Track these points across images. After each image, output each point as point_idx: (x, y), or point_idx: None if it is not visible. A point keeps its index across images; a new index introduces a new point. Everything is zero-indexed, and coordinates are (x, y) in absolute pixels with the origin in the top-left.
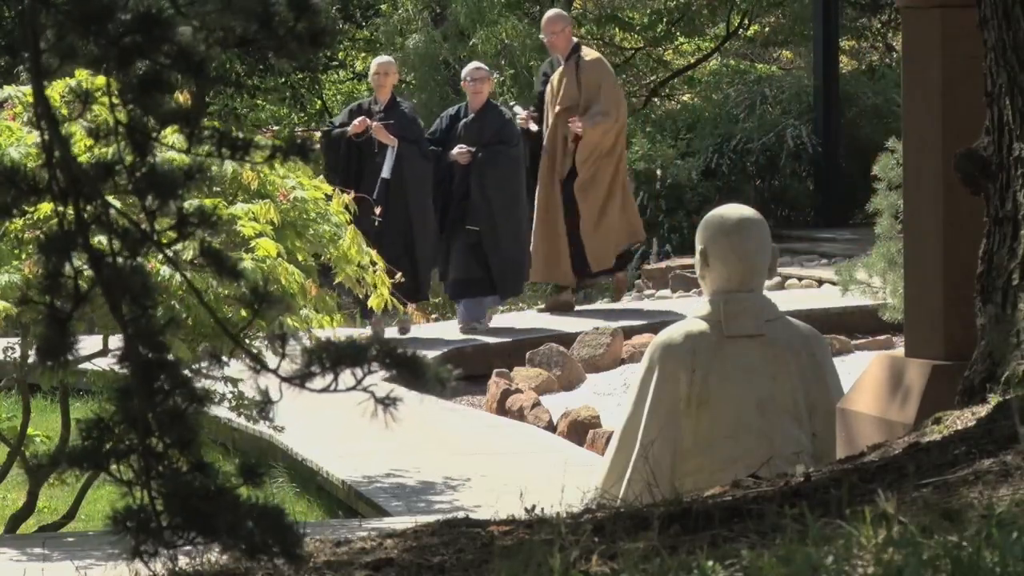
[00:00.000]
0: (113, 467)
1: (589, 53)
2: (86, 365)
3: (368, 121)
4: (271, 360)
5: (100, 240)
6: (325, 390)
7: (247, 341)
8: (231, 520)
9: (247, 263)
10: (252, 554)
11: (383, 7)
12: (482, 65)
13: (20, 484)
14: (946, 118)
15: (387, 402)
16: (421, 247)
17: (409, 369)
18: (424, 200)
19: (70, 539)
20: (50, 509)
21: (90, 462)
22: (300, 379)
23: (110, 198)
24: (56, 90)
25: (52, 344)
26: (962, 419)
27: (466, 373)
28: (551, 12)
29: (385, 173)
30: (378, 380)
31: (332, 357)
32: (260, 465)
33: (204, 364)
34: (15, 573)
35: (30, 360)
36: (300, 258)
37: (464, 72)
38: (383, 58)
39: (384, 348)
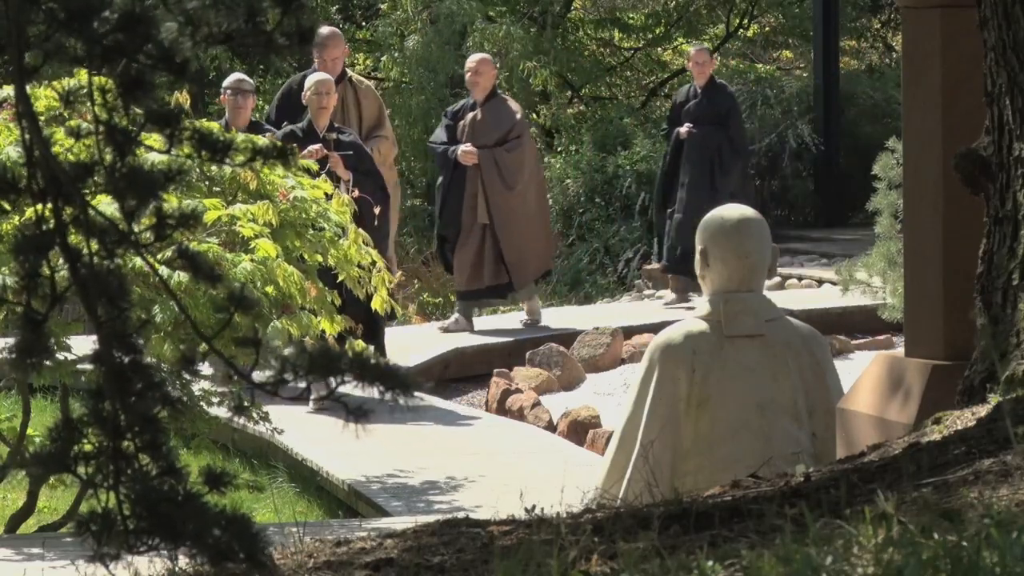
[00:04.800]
0: (81, 469)
1: (360, 80)
2: (85, 364)
3: (325, 150)
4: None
5: (81, 240)
6: (297, 399)
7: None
8: (198, 526)
9: (246, 264)
10: (216, 561)
11: (383, 7)
12: (245, 77)
13: (20, 484)
14: (946, 118)
15: (359, 413)
16: None
17: (382, 381)
18: (381, 240)
19: (70, 539)
20: (50, 509)
21: (57, 464)
22: (272, 386)
23: (104, 199)
24: (56, 90)
25: (28, 344)
26: (962, 419)
27: (466, 373)
28: (333, 30)
29: None
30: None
31: (305, 365)
32: (225, 473)
33: (175, 368)
34: (15, 573)
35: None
36: (305, 256)
37: (225, 84)
38: (322, 76)
39: (357, 358)
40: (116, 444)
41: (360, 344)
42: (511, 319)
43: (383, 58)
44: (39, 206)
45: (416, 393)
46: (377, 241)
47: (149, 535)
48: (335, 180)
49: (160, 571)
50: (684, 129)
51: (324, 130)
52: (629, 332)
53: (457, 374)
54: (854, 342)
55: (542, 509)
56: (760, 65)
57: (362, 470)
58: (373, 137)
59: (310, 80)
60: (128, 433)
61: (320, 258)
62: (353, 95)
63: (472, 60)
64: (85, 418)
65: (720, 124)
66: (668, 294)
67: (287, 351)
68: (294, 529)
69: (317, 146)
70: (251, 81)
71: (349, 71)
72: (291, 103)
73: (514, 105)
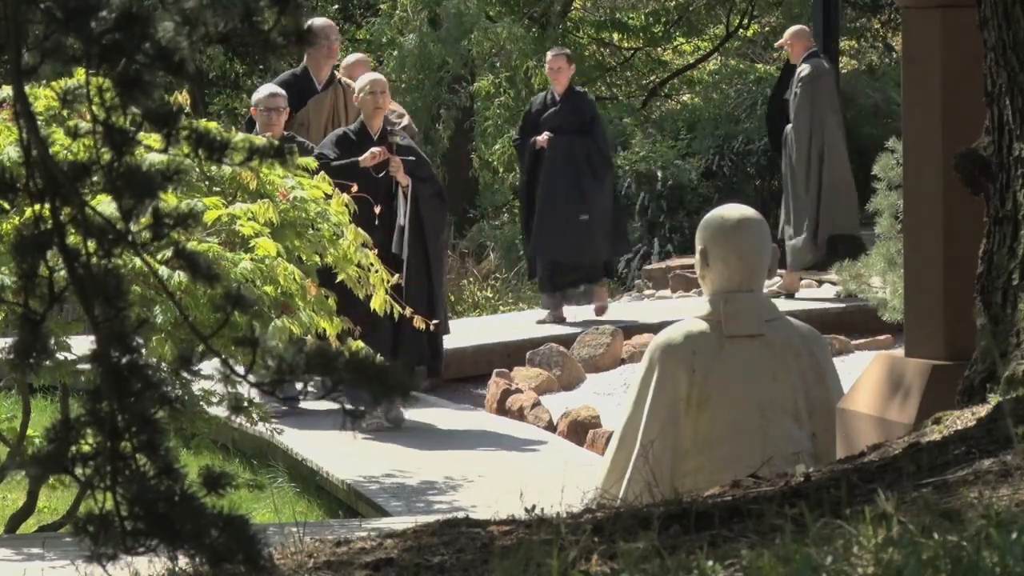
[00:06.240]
0: (79, 470)
1: (349, 82)
2: (84, 364)
3: (388, 153)
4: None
5: (79, 240)
6: (294, 398)
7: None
8: (195, 527)
9: (246, 263)
10: (214, 561)
11: (383, 7)
12: (277, 90)
13: (20, 484)
14: (946, 118)
15: (355, 413)
16: (439, 293)
17: (378, 381)
18: (441, 248)
19: (70, 539)
20: (50, 509)
21: (55, 465)
22: (270, 385)
23: (104, 199)
24: (54, 89)
25: (26, 344)
26: (962, 419)
27: (466, 373)
28: (327, 21)
29: (402, 220)
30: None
31: (302, 365)
32: (224, 474)
33: (171, 366)
34: (15, 573)
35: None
36: (303, 257)
37: (256, 99)
38: (375, 76)
39: (354, 359)
40: (114, 445)
41: (358, 344)
42: (511, 319)
43: (384, 58)
44: (37, 206)
45: (414, 393)
46: (438, 252)
47: (146, 536)
48: (394, 185)
49: (160, 571)
50: (543, 138)
51: (378, 132)
52: (629, 332)
53: (457, 374)
54: (854, 342)
55: (542, 509)
56: (760, 65)
57: (361, 470)
58: None
59: (363, 80)
60: (126, 434)
61: (318, 259)
62: (343, 98)
63: (345, 63)
64: (83, 418)
65: (582, 132)
66: (666, 292)
67: (284, 351)
68: (294, 529)
69: (380, 148)
70: (284, 94)
71: (338, 72)
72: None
73: (397, 107)
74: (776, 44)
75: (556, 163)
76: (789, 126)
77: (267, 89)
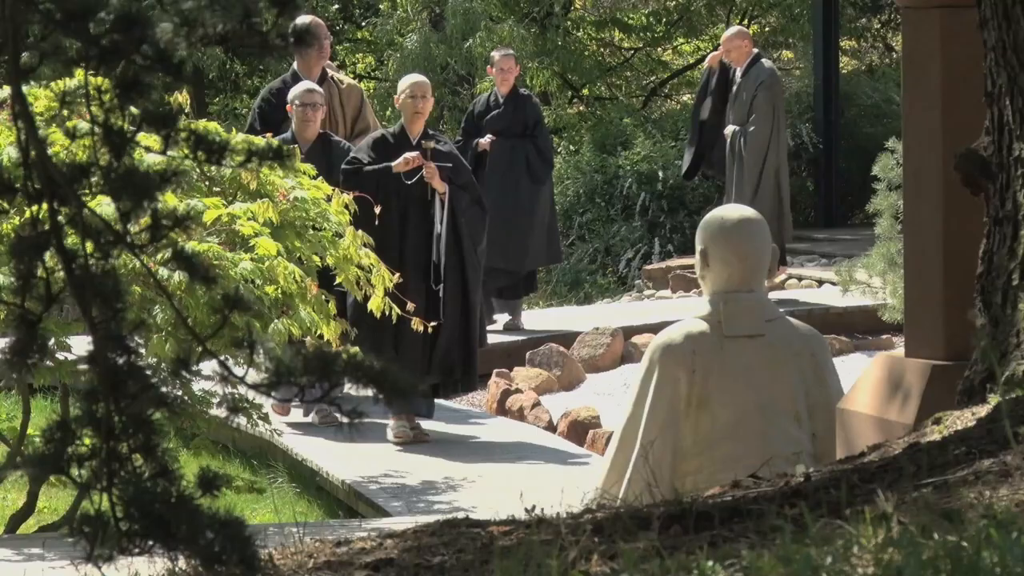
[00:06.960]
0: (75, 471)
1: (341, 79)
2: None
3: (423, 158)
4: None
5: (74, 241)
6: (291, 400)
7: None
8: (190, 529)
9: (246, 263)
10: (209, 563)
11: (382, 7)
12: (314, 87)
13: (20, 484)
14: (946, 118)
15: (352, 416)
16: (475, 302)
17: (378, 384)
18: (479, 257)
19: (70, 539)
20: (50, 509)
21: (51, 465)
22: (267, 387)
23: (104, 200)
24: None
25: (23, 345)
26: (962, 419)
27: None
28: (314, 19)
29: (438, 228)
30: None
31: (299, 368)
32: (218, 476)
33: (165, 368)
34: (15, 573)
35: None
36: (303, 258)
37: (292, 96)
38: (417, 78)
39: (353, 361)
40: (110, 446)
41: (355, 349)
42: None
43: (386, 59)
44: (35, 207)
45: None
46: (475, 261)
47: (142, 537)
48: (430, 192)
49: (160, 571)
50: (485, 140)
51: (417, 136)
52: (629, 332)
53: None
54: (854, 342)
55: (542, 509)
56: None
57: (361, 470)
58: (358, 136)
59: (404, 83)
60: (122, 435)
61: (319, 260)
62: (338, 95)
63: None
64: (80, 419)
65: (526, 135)
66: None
67: (282, 353)
68: (294, 529)
69: (415, 154)
70: (320, 91)
71: (329, 70)
72: (273, 111)
73: (347, 79)
74: (714, 54)
75: (499, 167)
76: (732, 128)
77: (304, 86)
